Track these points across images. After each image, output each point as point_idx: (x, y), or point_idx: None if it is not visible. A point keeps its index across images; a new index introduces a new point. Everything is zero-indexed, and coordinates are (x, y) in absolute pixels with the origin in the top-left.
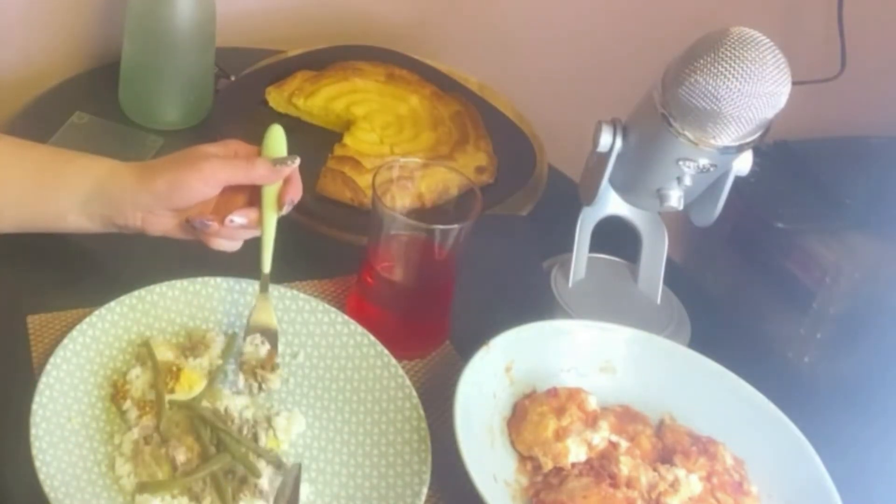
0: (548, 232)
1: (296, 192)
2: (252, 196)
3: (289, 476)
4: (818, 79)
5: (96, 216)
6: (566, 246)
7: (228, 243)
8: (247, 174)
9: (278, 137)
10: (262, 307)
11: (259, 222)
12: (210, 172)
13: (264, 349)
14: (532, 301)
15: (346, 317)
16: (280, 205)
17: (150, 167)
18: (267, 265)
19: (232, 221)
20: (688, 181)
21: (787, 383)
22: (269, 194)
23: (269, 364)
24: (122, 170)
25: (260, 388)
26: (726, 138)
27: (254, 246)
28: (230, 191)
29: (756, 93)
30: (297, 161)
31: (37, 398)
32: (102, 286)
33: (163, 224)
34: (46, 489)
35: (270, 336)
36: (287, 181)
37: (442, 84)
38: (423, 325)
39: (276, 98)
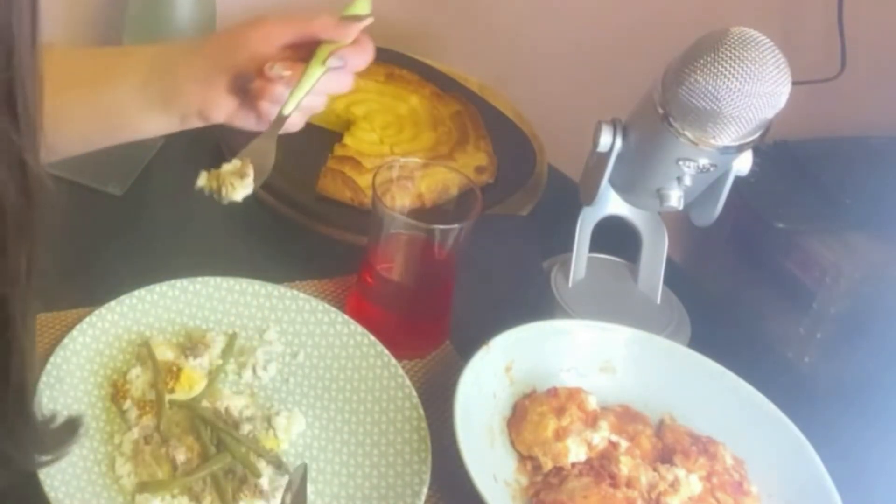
0: (548, 232)
1: (355, 54)
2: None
3: (295, 476)
4: (818, 79)
5: (156, 99)
6: (566, 246)
7: (274, 108)
8: (308, 25)
9: (364, 4)
10: (265, 143)
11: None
12: (270, 27)
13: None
14: (532, 301)
15: (346, 317)
16: (326, 58)
17: (207, 36)
18: (289, 108)
19: (272, 69)
20: (688, 181)
21: (787, 383)
22: (324, 50)
23: (239, 172)
24: (176, 43)
25: (220, 193)
26: (726, 138)
27: (254, 246)
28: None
29: (756, 93)
30: (370, 19)
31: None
32: (102, 286)
33: (223, 105)
34: (46, 489)
35: (260, 159)
36: (354, 43)
37: (442, 84)
38: (423, 325)
39: None
